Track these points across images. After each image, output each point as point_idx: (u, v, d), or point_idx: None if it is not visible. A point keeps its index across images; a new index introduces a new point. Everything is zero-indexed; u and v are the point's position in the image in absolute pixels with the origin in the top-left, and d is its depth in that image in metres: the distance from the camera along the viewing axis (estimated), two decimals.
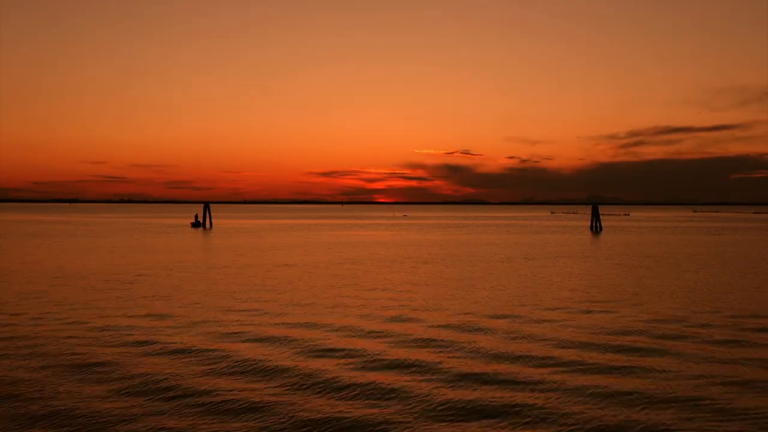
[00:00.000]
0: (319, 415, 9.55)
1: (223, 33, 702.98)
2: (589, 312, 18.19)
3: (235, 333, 15.10)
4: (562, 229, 77.93)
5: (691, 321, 16.85)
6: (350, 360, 12.63)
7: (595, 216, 75.15)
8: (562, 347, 13.77)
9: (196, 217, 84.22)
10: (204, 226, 78.78)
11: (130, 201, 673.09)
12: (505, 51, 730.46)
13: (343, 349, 13.50)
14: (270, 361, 12.51)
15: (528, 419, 9.44)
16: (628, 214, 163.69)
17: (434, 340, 14.45)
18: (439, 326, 16.02)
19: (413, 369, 12.01)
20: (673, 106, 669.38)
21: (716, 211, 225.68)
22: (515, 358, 12.80)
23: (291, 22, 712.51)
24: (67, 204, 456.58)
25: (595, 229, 73.77)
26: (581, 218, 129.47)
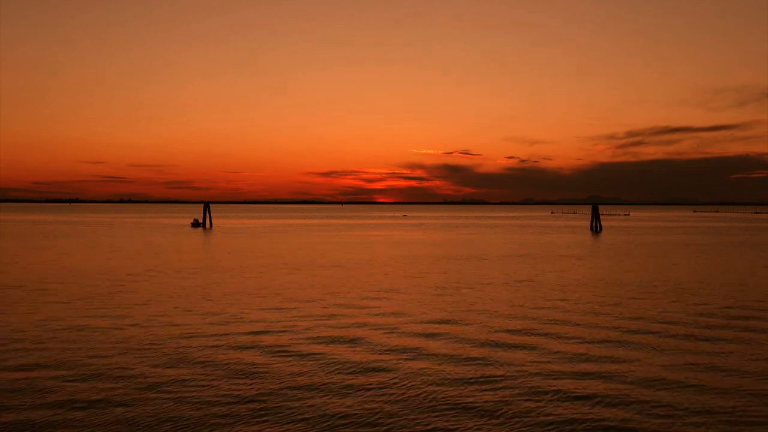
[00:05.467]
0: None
1: (225, 36, 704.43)
2: (616, 304, 18.21)
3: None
4: (563, 230, 77.89)
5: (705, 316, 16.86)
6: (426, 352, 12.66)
7: (596, 216, 75.11)
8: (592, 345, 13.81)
9: (197, 219, 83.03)
10: (204, 226, 78.68)
11: (130, 201, 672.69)
12: (505, 51, 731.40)
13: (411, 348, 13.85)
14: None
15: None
16: (628, 215, 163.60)
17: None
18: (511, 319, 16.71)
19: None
20: (672, 106, 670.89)
21: (716, 211, 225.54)
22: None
23: (292, 25, 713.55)
24: (67, 204, 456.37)
25: (596, 229, 73.72)
26: (581, 218, 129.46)
